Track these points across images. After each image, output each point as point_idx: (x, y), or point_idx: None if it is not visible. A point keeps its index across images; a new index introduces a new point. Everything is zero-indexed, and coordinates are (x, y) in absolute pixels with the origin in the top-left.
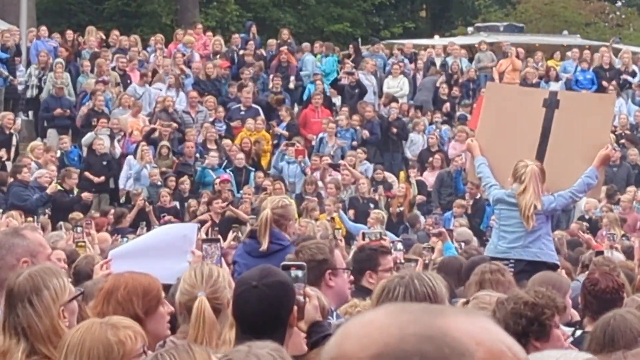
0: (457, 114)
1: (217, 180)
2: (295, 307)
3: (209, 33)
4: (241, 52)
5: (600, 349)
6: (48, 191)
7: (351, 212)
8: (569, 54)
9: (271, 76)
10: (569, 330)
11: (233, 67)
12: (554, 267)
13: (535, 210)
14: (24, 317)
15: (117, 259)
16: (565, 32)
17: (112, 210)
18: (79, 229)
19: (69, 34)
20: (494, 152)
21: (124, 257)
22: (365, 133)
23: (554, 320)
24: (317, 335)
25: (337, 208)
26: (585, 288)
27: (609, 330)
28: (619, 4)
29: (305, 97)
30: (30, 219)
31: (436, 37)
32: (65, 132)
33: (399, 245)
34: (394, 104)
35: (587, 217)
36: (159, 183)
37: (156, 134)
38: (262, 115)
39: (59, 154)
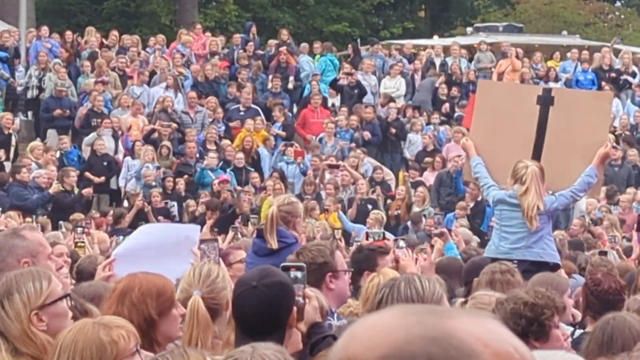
0: (455, 114)
1: (216, 181)
2: (295, 308)
3: (208, 33)
4: (238, 52)
5: (599, 349)
6: (50, 191)
7: (350, 211)
8: (568, 54)
9: (270, 76)
10: (568, 329)
11: (232, 67)
12: (556, 267)
13: (538, 211)
14: (0, 320)
15: (120, 260)
16: (565, 32)
17: (111, 211)
18: (80, 229)
19: (69, 34)
20: (489, 151)
21: (127, 258)
22: (367, 134)
23: (554, 320)
24: (317, 336)
25: (336, 208)
26: (588, 288)
27: (608, 330)
28: (618, 4)
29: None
30: (29, 219)
31: (435, 37)
32: (65, 133)
33: (401, 243)
34: (391, 104)
35: (587, 218)
36: (153, 184)
37: (156, 134)
38: (262, 116)
39: (58, 154)
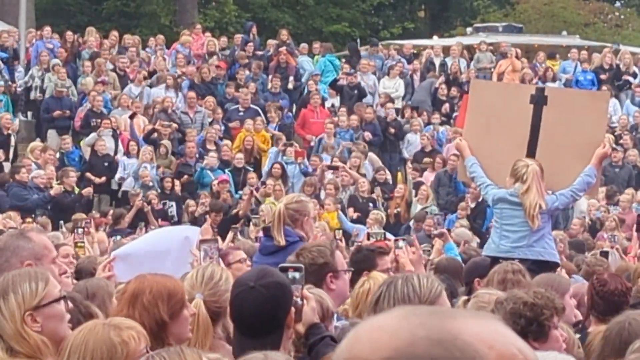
0: (454, 114)
1: (215, 181)
2: (293, 309)
3: (208, 33)
4: (237, 53)
5: (616, 355)
6: (52, 192)
7: (350, 211)
8: (568, 54)
9: (270, 77)
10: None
11: (232, 67)
12: (556, 266)
13: (540, 210)
14: None
15: (119, 261)
16: (564, 32)
17: (111, 211)
18: (80, 230)
19: (69, 35)
20: (483, 150)
21: (126, 259)
22: (368, 135)
23: (553, 320)
24: (315, 337)
25: (336, 208)
26: (594, 288)
27: (625, 335)
28: (618, 4)
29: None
30: (28, 219)
31: (435, 37)
32: (65, 133)
33: (401, 243)
34: (390, 104)
35: (587, 218)
36: (151, 184)
37: (156, 134)
38: (262, 116)
39: (58, 154)
